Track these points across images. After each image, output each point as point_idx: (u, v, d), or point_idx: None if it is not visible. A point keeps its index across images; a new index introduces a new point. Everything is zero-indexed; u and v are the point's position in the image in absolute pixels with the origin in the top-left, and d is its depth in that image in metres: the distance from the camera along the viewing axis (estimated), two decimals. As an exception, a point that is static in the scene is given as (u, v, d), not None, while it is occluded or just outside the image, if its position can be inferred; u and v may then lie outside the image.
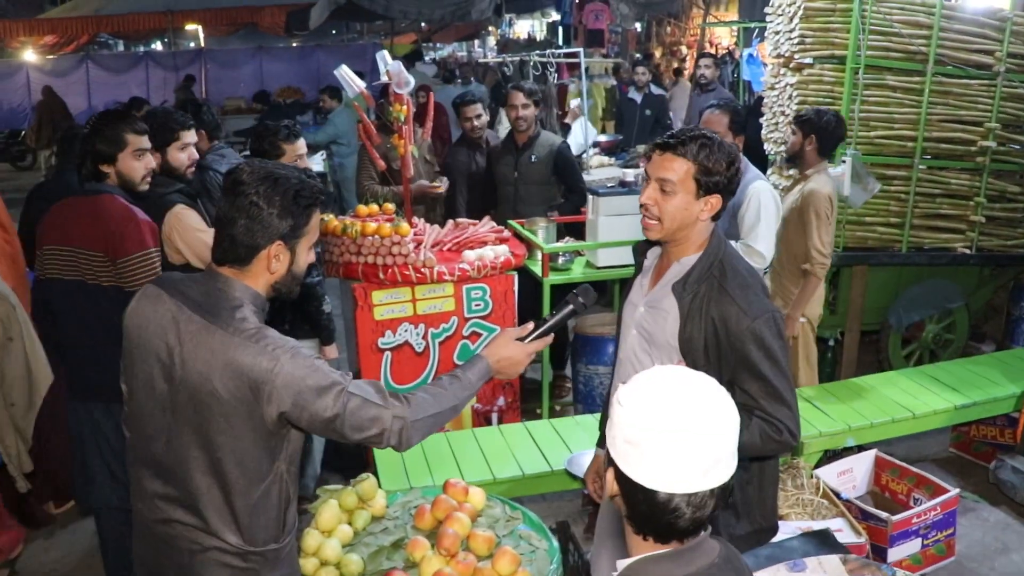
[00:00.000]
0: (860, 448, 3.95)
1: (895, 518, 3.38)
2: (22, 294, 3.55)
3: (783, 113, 4.95)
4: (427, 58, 19.73)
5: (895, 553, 3.40)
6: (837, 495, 3.52)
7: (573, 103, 8.38)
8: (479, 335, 4.10)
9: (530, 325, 2.11)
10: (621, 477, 1.34)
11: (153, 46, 21.82)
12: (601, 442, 2.62)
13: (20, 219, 4.08)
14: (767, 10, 5.16)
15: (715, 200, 2.13)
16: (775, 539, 2.50)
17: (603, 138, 7.92)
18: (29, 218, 3.98)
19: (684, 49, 17.04)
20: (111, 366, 2.06)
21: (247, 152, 4.39)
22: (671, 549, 1.37)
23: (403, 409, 1.84)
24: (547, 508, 3.92)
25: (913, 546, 3.46)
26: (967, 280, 5.37)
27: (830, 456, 3.90)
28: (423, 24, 17.95)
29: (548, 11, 19.03)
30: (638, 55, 14.19)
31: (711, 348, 2.12)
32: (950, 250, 5.06)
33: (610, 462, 1.37)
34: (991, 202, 5.05)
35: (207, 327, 1.78)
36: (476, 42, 26.59)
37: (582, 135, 7.23)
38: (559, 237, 4.83)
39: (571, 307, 2.13)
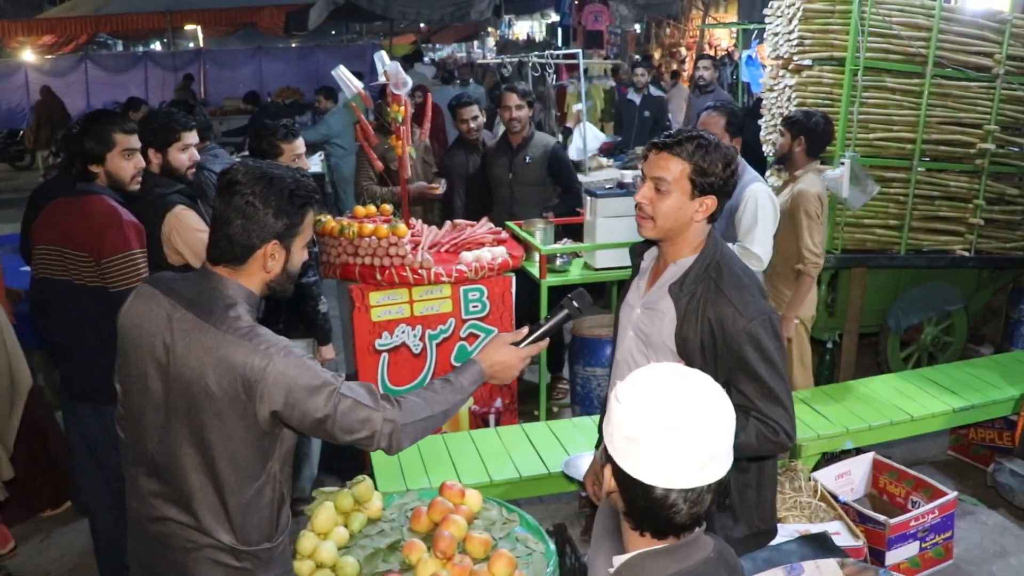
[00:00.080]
0: (858, 451, 3.94)
1: (893, 521, 3.37)
2: (1, 298, 3.53)
3: (782, 115, 4.94)
4: (426, 59, 19.74)
5: (893, 556, 3.40)
6: (835, 498, 3.52)
7: (575, 107, 8.32)
8: (476, 336, 4.09)
9: (524, 330, 2.10)
10: (619, 473, 1.36)
11: (152, 46, 21.83)
12: (600, 444, 2.61)
13: (23, 219, 4.07)
14: (766, 12, 5.15)
15: (710, 201, 2.13)
16: (772, 542, 2.49)
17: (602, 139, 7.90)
18: (30, 218, 3.98)
19: (683, 51, 17.04)
20: (98, 367, 2.06)
21: (242, 153, 4.38)
22: (667, 544, 1.39)
23: (394, 412, 1.84)
24: (544, 510, 3.90)
25: (911, 549, 3.46)
26: (966, 283, 5.36)
27: (828, 459, 3.89)
28: (422, 25, 18.00)
29: (547, 12, 19.08)
30: (637, 56, 14.18)
31: (707, 349, 2.12)
32: (949, 252, 5.05)
33: (608, 459, 1.38)
34: (990, 204, 5.05)
35: (201, 325, 1.79)
36: (475, 43, 26.63)
37: (583, 140, 7.09)
38: (557, 238, 4.83)
39: (565, 311, 2.11)
